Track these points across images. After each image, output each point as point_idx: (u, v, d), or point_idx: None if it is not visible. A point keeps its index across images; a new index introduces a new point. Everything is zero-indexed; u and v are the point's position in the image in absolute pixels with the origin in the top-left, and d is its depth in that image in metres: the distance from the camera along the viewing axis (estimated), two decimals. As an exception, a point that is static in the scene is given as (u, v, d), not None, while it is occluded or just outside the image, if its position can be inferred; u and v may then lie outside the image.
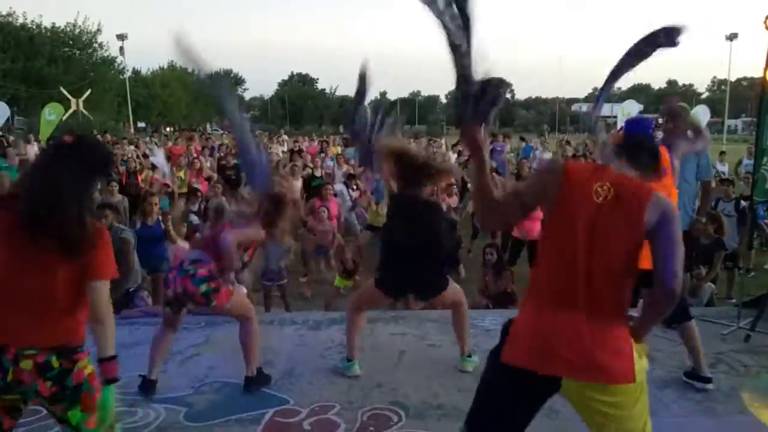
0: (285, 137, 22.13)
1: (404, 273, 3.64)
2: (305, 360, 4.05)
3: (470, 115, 1.95)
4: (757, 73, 4.52)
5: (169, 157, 12.78)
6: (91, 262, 2.01)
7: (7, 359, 1.95)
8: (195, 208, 7.95)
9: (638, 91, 76.16)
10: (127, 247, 5.55)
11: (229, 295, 3.41)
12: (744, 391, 3.53)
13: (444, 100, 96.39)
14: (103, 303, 2.04)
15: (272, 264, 6.11)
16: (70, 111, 19.52)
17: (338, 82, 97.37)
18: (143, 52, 43.04)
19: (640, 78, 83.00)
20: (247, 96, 77.72)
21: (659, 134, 4.00)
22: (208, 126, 56.77)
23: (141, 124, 47.82)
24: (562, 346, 1.88)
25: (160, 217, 6.26)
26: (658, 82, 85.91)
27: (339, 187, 9.60)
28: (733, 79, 45.93)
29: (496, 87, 1.91)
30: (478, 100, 1.93)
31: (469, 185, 11.01)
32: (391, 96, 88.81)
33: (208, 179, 10.39)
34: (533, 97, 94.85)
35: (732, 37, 33.03)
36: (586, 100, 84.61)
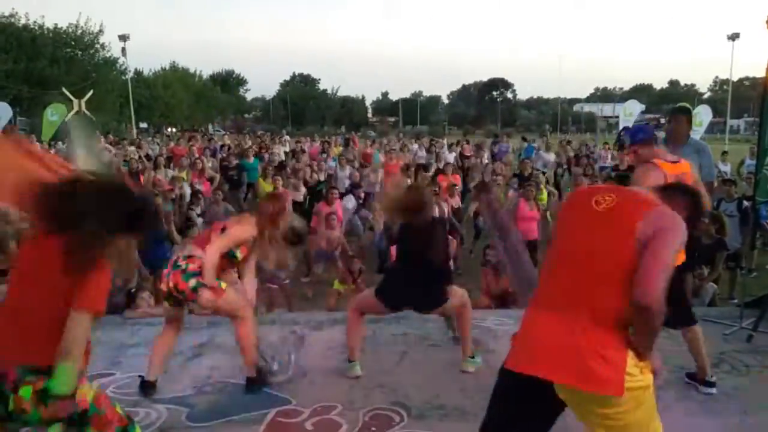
0: (287, 138, 22.21)
1: (405, 292, 3.69)
2: (307, 360, 4.05)
3: None
4: (760, 72, 4.50)
5: (171, 157, 12.82)
6: (78, 289, 1.92)
7: (8, 388, 1.90)
8: (198, 210, 7.97)
9: (640, 91, 76.21)
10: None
11: (220, 293, 3.39)
12: None
13: (446, 101, 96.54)
14: (76, 336, 1.89)
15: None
16: (73, 112, 19.52)
17: (340, 82, 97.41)
18: (145, 53, 43.26)
19: (642, 78, 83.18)
20: (249, 96, 78.03)
21: (661, 134, 4.00)
22: (210, 126, 56.91)
23: (143, 125, 47.92)
24: (545, 348, 1.89)
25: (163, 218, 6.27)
26: (660, 82, 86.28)
27: (345, 201, 9.43)
28: (735, 78, 45.80)
29: None
30: None
31: (469, 185, 11.03)
32: (393, 96, 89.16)
33: (210, 180, 10.41)
34: (535, 97, 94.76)
35: (734, 36, 32.89)
36: (587, 100, 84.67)
